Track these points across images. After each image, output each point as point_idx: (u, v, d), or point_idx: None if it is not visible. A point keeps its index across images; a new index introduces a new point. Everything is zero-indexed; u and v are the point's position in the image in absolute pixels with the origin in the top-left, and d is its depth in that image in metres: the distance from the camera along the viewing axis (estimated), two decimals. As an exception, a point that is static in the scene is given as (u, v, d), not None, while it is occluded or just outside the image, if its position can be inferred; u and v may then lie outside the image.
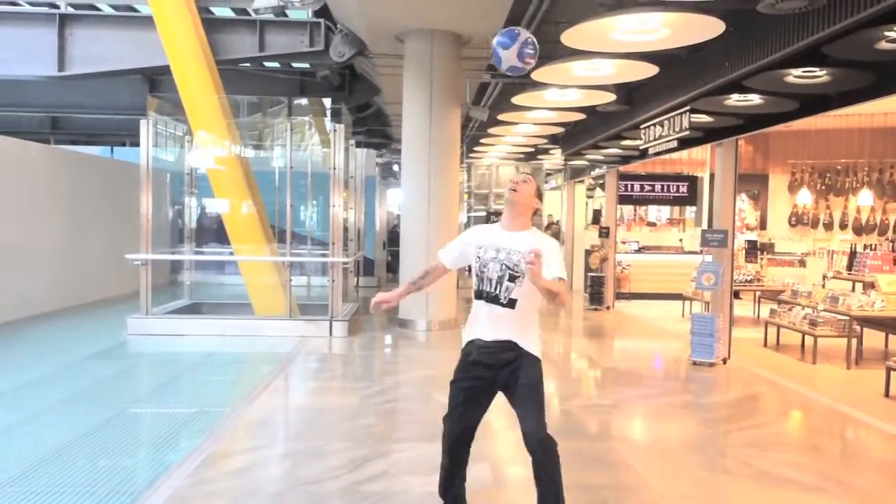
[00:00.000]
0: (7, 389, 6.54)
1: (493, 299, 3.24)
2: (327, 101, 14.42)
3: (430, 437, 5.16)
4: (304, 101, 13.80)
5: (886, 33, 5.40)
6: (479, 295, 3.31)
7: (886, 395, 6.47)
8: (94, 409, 5.92)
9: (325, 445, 4.88)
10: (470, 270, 3.43)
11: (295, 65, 13.37)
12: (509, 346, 3.25)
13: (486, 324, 3.28)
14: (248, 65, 12.26)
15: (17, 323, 9.90)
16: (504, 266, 3.22)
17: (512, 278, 3.21)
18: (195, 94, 9.47)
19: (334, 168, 9.31)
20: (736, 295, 11.80)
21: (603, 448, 5.12)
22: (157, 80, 13.36)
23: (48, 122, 16.20)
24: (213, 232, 13.51)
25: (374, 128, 17.64)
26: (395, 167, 24.16)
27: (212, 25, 10.37)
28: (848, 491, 4.31)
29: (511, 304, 3.23)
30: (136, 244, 9.52)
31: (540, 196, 3.54)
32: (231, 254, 10.17)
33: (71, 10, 10.71)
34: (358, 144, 14.79)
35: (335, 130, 9.38)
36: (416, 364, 8.01)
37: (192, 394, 6.78)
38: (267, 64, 12.89)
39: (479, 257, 3.30)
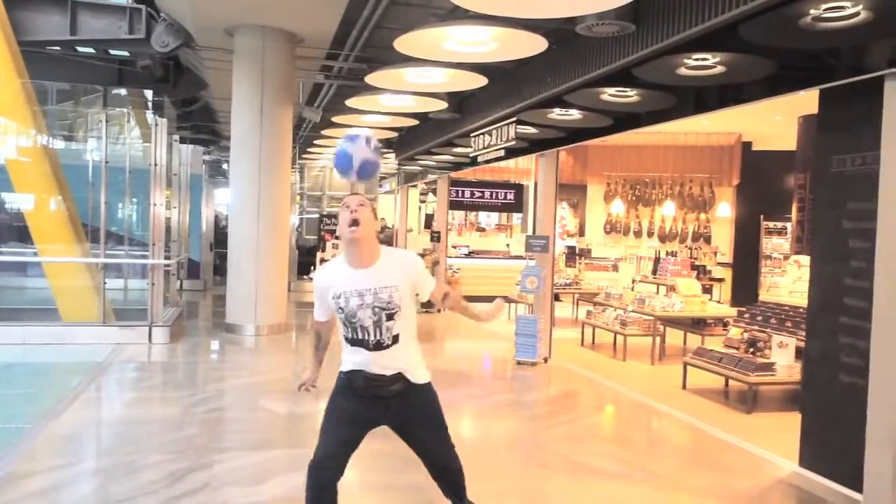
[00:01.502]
0: None
1: (377, 345, 2.92)
2: (149, 93, 13.60)
3: (257, 445, 5.02)
4: (122, 91, 12.91)
5: (685, 60, 5.97)
6: (358, 343, 2.94)
7: (684, 387, 7.15)
8: None
9: (140, 459, 4.58)
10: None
11: (113, 52, 12.43)
12: (398, 378, 2.98)
13: (369, 365, 2.95)
14: (57, 49, 11.24)
15: None
16: (377, 309, 2.89)
17: (390, 316, 2.90)
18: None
19: (155, 164, 8.78)
20: (556, 297, 12.52)
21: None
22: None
23: None
24: (13, 230, 12.26)
25: (200, 123, 16.82)
26: (225, 165, 23.23)
27: (14, 2, 9.39)
28: (650, 476, 4.71)
29: (396, 339, 2.95)
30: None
31: (374, 213, 3.06)
32: (35, 254, 9.27)
33: None
34: (183, 140, 14.01)
35: (157, 124, 8.85)
36: (243, 370, 7.74)
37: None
38: (81, 49, 11.89)
39: (341, 308, 2.91)
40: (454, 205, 14.94)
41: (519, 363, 8.17)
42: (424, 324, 11.63)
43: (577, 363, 8.42)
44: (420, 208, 21.46)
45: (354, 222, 2.85)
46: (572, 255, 13.64)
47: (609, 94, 7.18)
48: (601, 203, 14.96)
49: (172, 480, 4.19)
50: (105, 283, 8.81)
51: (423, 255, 13.48)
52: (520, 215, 17.50)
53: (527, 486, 4.53)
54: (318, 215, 20.95)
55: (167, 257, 9.41)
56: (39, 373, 7.44)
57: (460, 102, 10.58)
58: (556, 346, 8.84)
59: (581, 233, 15.60)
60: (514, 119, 8.74)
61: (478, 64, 7.66)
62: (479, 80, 8.34)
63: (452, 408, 6.45)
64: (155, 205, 8.73)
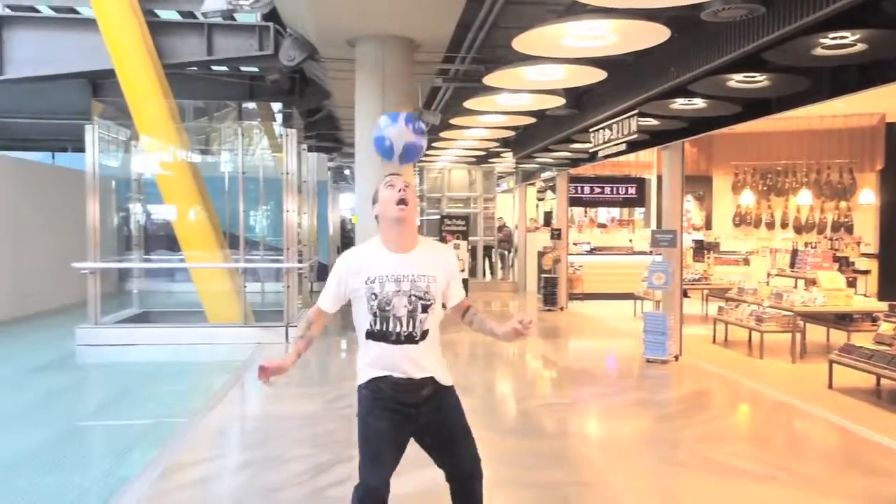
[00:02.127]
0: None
1: (408, 338, 2.70)
2: (276, 106, 14.31)
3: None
4: (252, 105, 13.66)
5: (821, 40, 5.64)
6: (384, 337, 2.70)
7: (830, 386, 6.74)
8: (45, 422, 5.76)
9: (286, 452, 4.85)
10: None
11: (244, 69, 13.20)
12: (428, 382, 2.76)
13: (396, 365, 2.72)
14: (195, 69, 12.06)
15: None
16: (413, 297, 2.68)
17: (425, 308, 2.70)
18: (142, 99, 9.29)
19: (287, 172, 9.24)
20: (685, 294, 12.11)
21: (561, 445, 5.22)
22: (100, 83, 13.02)
23: (-18, 128, 15.66)
24: (161, 239, 13.27)
25: (324, 132, 17.51)
26: (347, 171, 24.05)
27: (158, 28, 10.17)
28: (797, 478, 4.49)
29: (425, 336, 2.74)
30: (82, 252, 9.28)
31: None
32: (182, 261, 10.01)
33: (8, 12, 10.37)
34: (309, 149, 14.67)
35: (287, 135, 9.33)
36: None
37: (146, 405, 6.65)
38: (215, 68, 12.70)
39: (374, 294, 2.67)
40: (574, 201, 14.74)
41: (648, 361, 7.98)
42: (547, 322, 11.57)
43: (711, 361, 8.12)
44: (538, 206, 21.35)
45: (402, 201, 2.69)
46: (700, 249, 13.14)
47: (736, 80, 6.90)
48: (729, 194, 14.32)
49: (317, 472, 4.41)
50: (245, 286, 9.37)
51: (542, 254, 13.42)
52: (642, 210, 17.04)
53: (663, 485, 4.42)
54: (438, 216, 21.31)
55: (300, 261, 9.86)
56: (191, 371, 8.02)
57: (578, 98, 10.46)
58: (687, 344, 8.56)
59: (708, 226, 15.01)
60: (635, 112, 8.55)
61: (596, 58, 7.56)
62: (598, 75, 8.23)
63: (580, 406, 6.43)
64: (288, 211, 9.18)
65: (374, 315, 2.68)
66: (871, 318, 8.05)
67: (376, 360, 2.74)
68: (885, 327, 6.83)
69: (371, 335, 2.72)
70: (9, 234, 11.34)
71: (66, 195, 13.27)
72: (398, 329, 2.69)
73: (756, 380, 7.17)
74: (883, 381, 6.45)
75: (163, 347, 8.77)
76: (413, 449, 2.81)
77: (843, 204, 13.14)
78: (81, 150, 16.93)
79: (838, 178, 13.10)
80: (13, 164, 12.66)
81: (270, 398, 6.81)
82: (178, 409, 6.39)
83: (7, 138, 16.21)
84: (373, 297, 2.67)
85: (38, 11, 10.64)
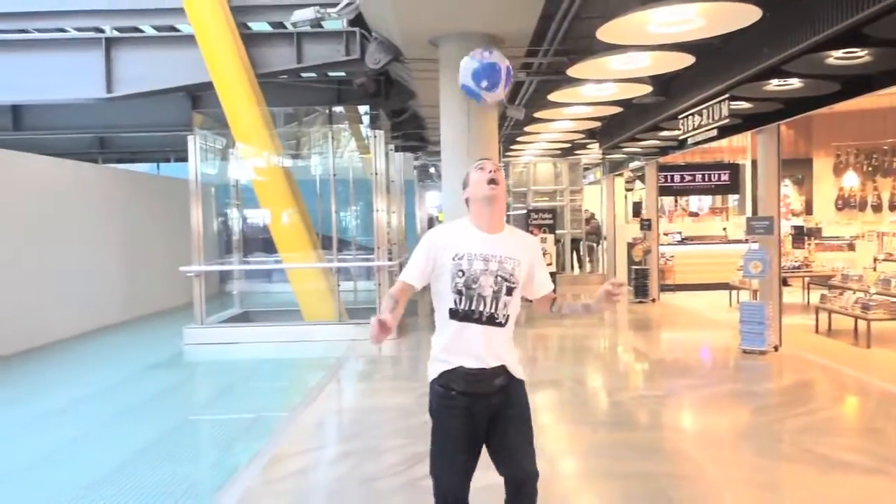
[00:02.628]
0: (77, 399, 6.86)
1: (490, 319, 2.68)
2: (363, 108, 14.68)
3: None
4: (339, 108, 14.06)
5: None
6: (468, 316, 2.67)
7: (945, 376, 6.37)
8: (160, 416, 6.17)
9: (383, 443, 5.03)
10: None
11: (331, 73, 13.60)
12: (499, 371, 2.74)
13: (474, 349, 2.69)
14: (285, 77, 12.53)
15: (81, 336, 10.30)
16: (500, 278, 2.67)
17: (510, 291, 2.70)
18: (238, 108, 9.75)
19: (375, 173, 9.48)
20: (784, 282, 11.64)
21: (657, 437, 5.17)
22: (198, 95, 13.72)
23: (96, 143, 16.76)
24: (258, 242, 13.85)
25: (409, 131, 17.81)
26: (432, 169, 24.34)
27: (250, 40, 10.64)
28: (909, 473, 4.29)
29: (507, 321, 2.74)
30: (187, 257, 9.83)
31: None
32: (279, 262, 10.43)
33: (116, 34, 11.07)
34: (395, 148, 14.97)
35: (374, 136, 9.55)
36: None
37: (250, 399, 7.00)
38: (304, 75, 13.15)
39: (462, 271, 2.66)
40: (663, 190, 14.42)
41: (745, 352, 7.74)
42: (638, 314, 11.39)
43: (813, 351, 7.80)
44: (626, 197, 20.96)
45: (493, 181, 2.73)
46: (800, 235, 12.60)
47: (835, 57, 6.61)
48: (830, 177, 13.65)
49: (413, 463, 4.54)
50: (339, 285, 9.68)
51: (633, 245, 13.20)
52: (736, 197, 16.47)
53: (765, 477, 4.32)
54: (524, 210, 21.27)
55: (389, 259, 10.10)
56: (290, 367, 8.37)
57: (665, 84, 10.23)
58: (787, 334, 8.25)
59: (808, 211, 14.36)
60: (726, 96, 8.31)
61: (683, 43, 7.39)
62: (686, 60, 8.05)
63: (673, 398, 6.32)
64: (378, 211, 9.42)
65: (459, 293, 2.66)
66: None
67: (452, 345, 2.71)
68: None
69: (455, 314, 2.69)
70: (121, 241, 12.12)
71: (170, 203, 14.07)
72: (482, 308, 2.67)
73: (862, 370, 6.86)
74: None
75: (263, 345, 9.18)
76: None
77: (956, 182, 12.31)
78: (184, 159, 17.96)
79: (951, 155, 12.28)
80: (124, 176, 13.50)
81: (365, 393, 7.05)
82: (279, 404, 6.69)
83: (115, 151, 17.33)
84: (459, 273, 2.66)
85: (141, 31, 11.32)
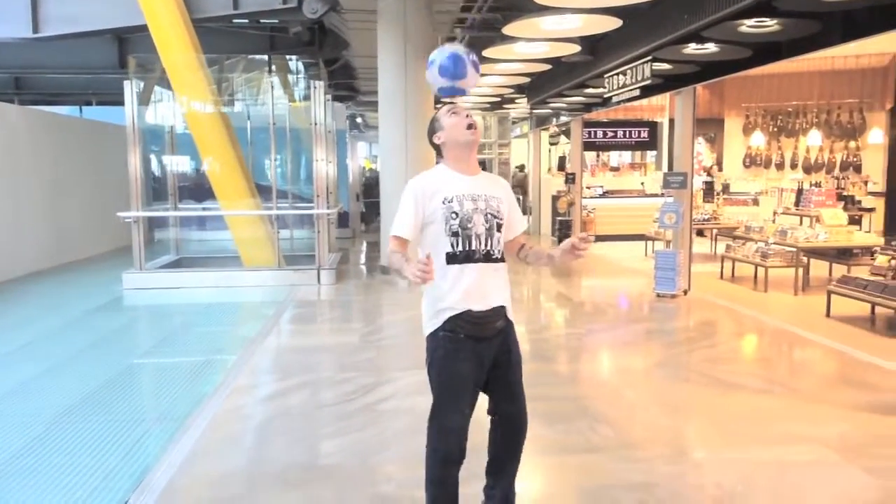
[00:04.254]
0: (24, 343, 6.97)
1: (487, 256, 2.75)
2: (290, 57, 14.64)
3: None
4: (263, 57, 14.01)
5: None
6: (468, 257, 2.73)
7: (828, 315, 7.27)
8: (113, 358, 6.39)
9: (336, 376, 5.48)
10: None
11: (264, 21, 13.49)
12: (501, 313, 2.82)
13: (476, 290, 2.74)
14: (216, 22, 12.38)
15: (10, 282, 10.22)
16: (489, 216, 2.76)
17: (499, 227, 2.80)
18: (174, 52, 9.68)
19: (315, 123, 9.69)
20: (699, 233, 12.57)
21: (579, 368, 5.84)
22: (125, 38, 13.41)
23: (11, 83, 16.10)
24: (186, 189, 13.78)
25: (340, 81, 17.83)
26: (359, 119, 24.35)
27: (185, -16, 10.51)
28: (790, 392, 5.07)
29: (502, 256, 2.83)
30: (115, 203, 9.82)
31: None
32: (209, 209, 10.54)
33: (42, -29, 10.72)
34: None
35: (315, 87, 9.71)
36: (403, 307, 8.58)
37: (202, 341, 7.26)
38: (236, 21, 13.00)
39: (455, 213, 2.72)
40: (587, 146, 15.04)
41: (658, 296, 8.52)
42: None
43: (717, 295, 8.66)
44: (551, 151, 21.66)
45: (471, 126, 2.80)
46: (710, 190, 13.55)
47: (748, 25, 7.20)
48: (740, 136, 14.64)
49: (366, 391, 5.02)
50: (278, 232, 9.93)
51: (557, 197, 13.89)
52: (654, 153, 17.36)
53: (671, 396, 5.01)
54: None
55: (328, 207, 10.39)
56: (233, 311, 8.65)
57: (593, 45, 10.74)
58: (696, 280, 9.08)
59: (719, 167, 15.35)
60: (649, 58, 8.88)
61: (612, 7, 7.87)
62: (614, 23, 8.54)
63: (594, 337, 7.01)
64: (317, 161, 9.66)
65: (456, 235, 2.72)
66: (871, 252, 8.52)
67: (456, 288, 2.72)
68: (880, 259, 7.32)
69: (454, 258, 2.73)
70: (48, 186, 11.90)
71: (98, 148, 13.81)
72: (479, 247, 2.74)
73: (759, 311, 7.72)
74: (878, 309, 6.97)
75: (204, 290, 9.38)
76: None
77: (852, 144, 13.45)
78: (106, 103, 17.44)
79: (848, 119, 13.38)
80: (50, 119, 13.14)
81: (312, 333, 7.44)
82: (234, 343, 6.96)
83: (36, 93, 16.70)
84: (453, 216, 2.72)
85: (70, -31, 10.97)
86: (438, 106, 3.02)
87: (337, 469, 3.77)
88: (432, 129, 2.88)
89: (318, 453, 3.98)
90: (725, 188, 14.17)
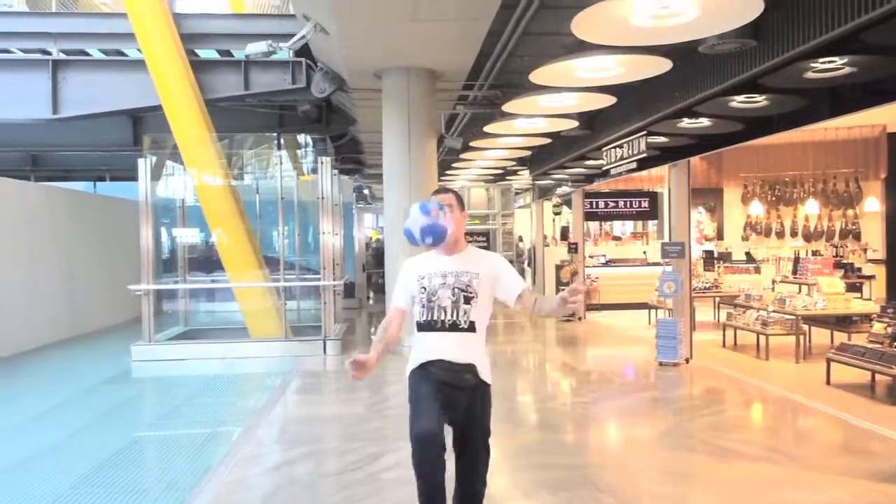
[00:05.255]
0: (35, 415, 7.07)
1: (453, 326, 3.13)
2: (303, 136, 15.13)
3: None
4: (272, 134, 14.50)
5: (812, 65, 6.25)
6: (431, 326, 3.16)
7: (828, 382, 7.32)
8: (121, 429, 6.48)
9: (342, 445, 5.55)
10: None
11: (273, 100, 14.00)
12: (471, 370, 3.18)
13: (438, 349, 3.15)
14: (228, 103, 12.87)
15: (24, 355, 10.35)
16: (456, 290, 3.14)
17: (467, 300, 3.14)
18: (187, 131, 10.09)
19: (322, 197, 9.98)
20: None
21: (583, 436, 5.88)
22: (140, 117, 13.92)
23: (28, 160, 16.60)
24: (195, 261, 14.04)
25: (347, 155, 18.33)
26: (366, 191, 24.85)
27: (198, 66, 11.01)
28: (790, 459, 5.11)
29: (472, 326, 3.16)
30: (128, 275, 10.04)
31: (462, 203, 3.36)
32: (217, 281, 10.75)
33: (62, 56, 11.25)
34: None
35: (322, 162, 10.05)
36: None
37: (208, 412, 7.35)
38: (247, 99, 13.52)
39: (424, 288, 3.17)
40: (589, 216, 15.36)
41: (661, 364, 8.58)
42: (566, 332, 12.19)
43: (720, 363, 8.71)
44: (554, 221, 21.99)
45: (444, 213, 3.20)
46: (710, 259, 13.72)
47: (738, 101, 7.52)
48: (739, 205, 14.90)
49: (372, 460, 5.09)
50: (285, 303, 10.11)
51: (560, 267, 14.07)
52: (655, 222, 17.63)
53: (675, 465, 5.05)
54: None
55: (335, 279, 10.58)
56: (240, 382, 8.74)
57: (591, 119, 11.13)
58: (698, 348, 9.15)
59: (720, 236, 15.56)
60: (643, 133, 9.21)
61: (606, 86, 8.24)
62: (609, 100, 8.91)
63: (598, 404, 7.06)
64: (324, 233, 9.91)
65: (423, 306, 3.17)
66: (870, 319, 8.60)
67: (424, 350, 3.17)
68: (877, 327, 7.40)
69: (421, 326, 3.19)
70: (62, 260, 12.17)
71: (110, 222, 14.16)
72: (443, 317, 3.13)
73: (760, 379, 7.77)
74: (877, 376, 7.02)
75: (212, 361, 9.49)
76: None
77: (850, 212, 13.67)
78: (119, 178, 17.88)
79: (844, 187, 13.64)
80: (65, 195, 13.53)
81: (318, 403, 7.52)
82: (240, 414, 7.06)
83: (51, 169, 17.19)
84: (422, 290, 3.18)
85: (89, 55, 11.53)
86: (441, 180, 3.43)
87: (341, 538, 3.82)
88: None
89: (323, 523, 4.04)
90: (727, 256, 14.33)
